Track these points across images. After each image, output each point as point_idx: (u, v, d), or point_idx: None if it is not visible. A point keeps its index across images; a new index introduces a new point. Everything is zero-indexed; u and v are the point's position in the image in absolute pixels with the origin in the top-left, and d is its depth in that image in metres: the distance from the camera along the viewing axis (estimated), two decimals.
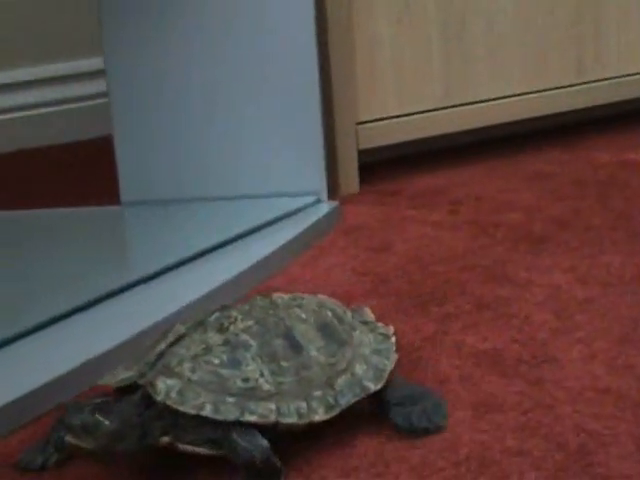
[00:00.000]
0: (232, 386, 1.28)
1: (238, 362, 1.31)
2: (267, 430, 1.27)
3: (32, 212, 2.37)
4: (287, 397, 1.29)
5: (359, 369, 1.37)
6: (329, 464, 1.31)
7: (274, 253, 1.99)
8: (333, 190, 2.36)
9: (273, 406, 1.28)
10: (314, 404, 1.30)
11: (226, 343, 1.32)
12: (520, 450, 1.32)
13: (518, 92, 2.61)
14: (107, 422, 1.24)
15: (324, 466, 1.31)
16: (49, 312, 1.70)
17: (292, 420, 1.28)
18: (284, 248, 2.02)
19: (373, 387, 1.36)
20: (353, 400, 1.33)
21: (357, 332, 1.43)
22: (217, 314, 1.38)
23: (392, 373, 1.40)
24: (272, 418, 1.27)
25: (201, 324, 1.37)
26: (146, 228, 2.16)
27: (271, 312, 1.38)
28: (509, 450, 1.32)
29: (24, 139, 3.12)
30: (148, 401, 1.28)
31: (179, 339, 1.35)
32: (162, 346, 1.35)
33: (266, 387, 1.29)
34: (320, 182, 2.25)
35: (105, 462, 1.28)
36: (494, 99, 2.58)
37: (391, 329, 1.47)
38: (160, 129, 2.27)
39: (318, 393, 1.31)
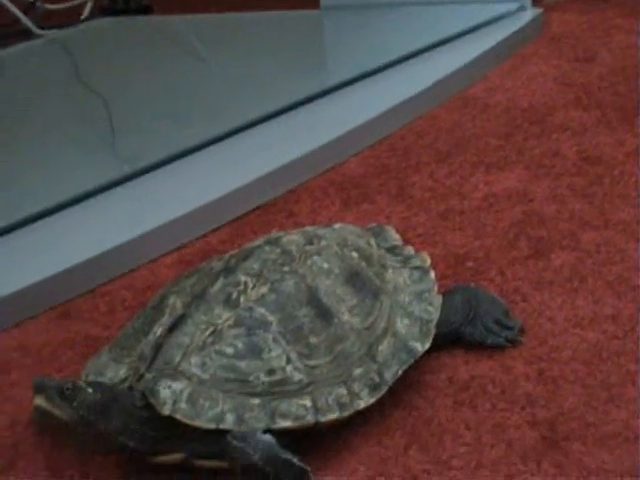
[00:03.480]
0: (255, 383, 1.02)
1: (258, 348, 1.03)
2: (302, 431, 1.03)
3: (232, 15, 2.39)
4: (323, 385, 1.03)
5: (401, 326, 1.11)
6: (523, 276, 1.30)
7: (474, 61, 1.95)
8: None
9: (308, 402, 1.02)
10: (356, 387, 1.05)
11: (239, 323, 1.04)
12: None
13: None
14: (91, 390, 1.00)
15: (518, 278, 1.30)
16: (247, 116, 1.73)
17: (333, 416, 1.03)
18: (485, 56, 1.98)
19: (421, 348, 1.11)
20: (400, 371, 1.08)
21: (389, 272, 1.16)
22: (221, 281, 1.08)
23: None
24: (309, 419, 1.01)
25: (202, 297, 1.07)
26: (345, 33, 2.14)
27: (286, 268, 1.09)
28: None
29: None
30: (146, 405, 1.02)
31: (178, 321, 1.05)
32: (157, 332, 1.05)
33: (297, 377, 1.03)
34: None
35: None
36: None
37: (426, 258, 1.20)
38: None
39: (359, 371, 1.06)
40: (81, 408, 0.97)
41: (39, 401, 0.97)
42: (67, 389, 0.97)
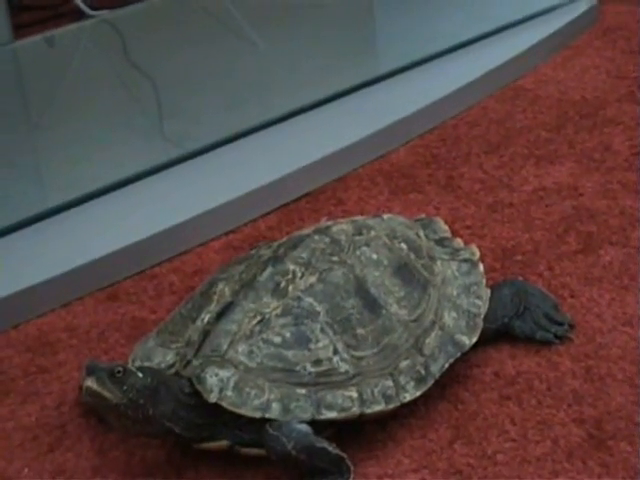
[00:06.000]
0: (301, 373, 1.02)
1: (305, 338, 1.03)
2: (347, 422, 1.03)
3: None
4: (369, 377, 1.03)
5: (449, 319, 1.10)
6: (572, 272, 1.29)
7: (526, 51, 1.93)
8: None
9: (354, 393, 1.02)
10: (402, 379, 1.04)
11: (287, 312, 1.04)
12: None
13: None
14: (141, 374, 1.00)
15: (567, 273, 1.29)
16: (297, 103, 1.72)
17: (379, 407, 1.02)
18: (537, 47, 1.96)
19: (468, 342, 1.10)
20: (447, 364, 1.08)
21: (438, 264, 1.15)
22: (270, 270, 1.08)
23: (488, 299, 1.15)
24: (355, 410, 1.01)
25: (251, 285, 1.07)
26: (396, 22, 2.13)
27: (335, 258, 1.09)
28: None
29: None
30: (193, 391, 1.02)
31: (226, 309, 1.05)
32: (205, 319, 1.06)
33: (343, 368, 1.03)
34: None
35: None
36: None
37: (475, 251, 1.19)
38: None
39: (405, 363, 1.05)
40: (131, 391, 0.98)
41: (90, 383, 0.97)
42: (118, 372, 0.98)
